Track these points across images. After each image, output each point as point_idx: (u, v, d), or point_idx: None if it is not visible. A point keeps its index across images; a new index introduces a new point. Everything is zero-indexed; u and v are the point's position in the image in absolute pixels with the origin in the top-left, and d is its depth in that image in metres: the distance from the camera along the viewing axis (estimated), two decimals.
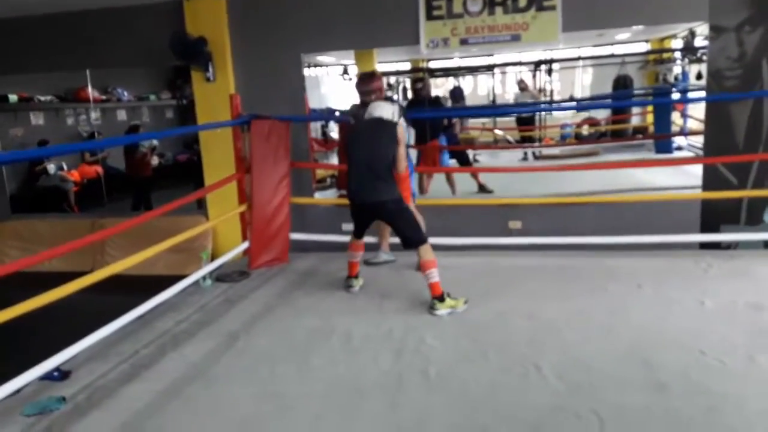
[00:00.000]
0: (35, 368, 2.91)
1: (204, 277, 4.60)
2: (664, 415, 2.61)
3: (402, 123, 4.15)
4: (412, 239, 4.01)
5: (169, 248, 4.09)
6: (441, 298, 3.86)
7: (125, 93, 7.78)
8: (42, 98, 7.39)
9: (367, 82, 4.52)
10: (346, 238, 5.18)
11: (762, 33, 4.95)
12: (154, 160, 7.80)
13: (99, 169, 7.68)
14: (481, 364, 3.18)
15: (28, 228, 7.10)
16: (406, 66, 11.10)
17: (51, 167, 7.57)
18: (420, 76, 8.54)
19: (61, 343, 3.12)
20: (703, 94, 5.61)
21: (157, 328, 3.89)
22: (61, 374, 3.21)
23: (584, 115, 10.84)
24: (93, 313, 3.58)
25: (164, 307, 4.10)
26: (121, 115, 7.80)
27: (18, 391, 2.89)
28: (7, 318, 2.70)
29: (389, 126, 4.05)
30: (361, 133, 4.12)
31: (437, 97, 8.29)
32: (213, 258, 5.27)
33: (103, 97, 7.60)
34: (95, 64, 6.73)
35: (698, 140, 6.66)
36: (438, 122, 7.49)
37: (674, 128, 9.58)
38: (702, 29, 6.07)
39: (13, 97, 7.23)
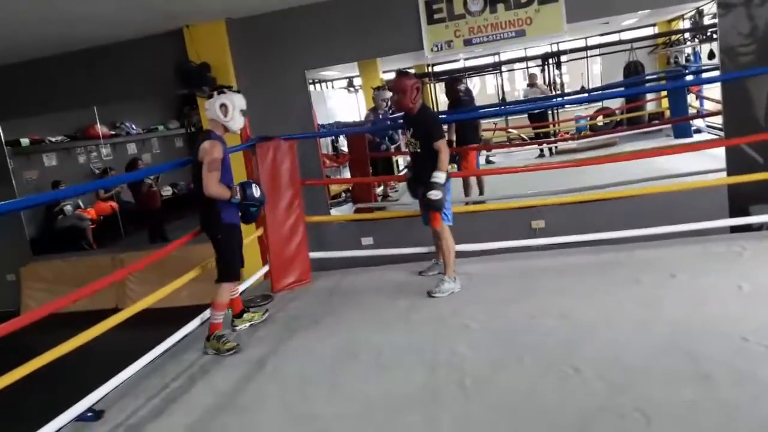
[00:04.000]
0: (69, 410, 2.91)
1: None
2: (712, 407, 2.50)
3: (215, 134, 3.72)
4: (221, 271, 3.88)
5: (191, 278, 4.05)
6: (210, 338, 3.86)
7: (134, 126, 7.80)
8: (53, 139, 7.44)
9: (394, 82, 4.25)
10: (367, 253, 5.13)
11: None
12: (166, 191, 7.79)
13: (114, 204, 7.71)
14: (517, 370, 3.08)
15: (50, 269, 7.16)
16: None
17: (67, 208, 7.61)
18: (459, 76, 8.32)
19: (92, 383, 3.11)
20: (717, 73, 5.48)
21: (184, 360, 3.85)
22: (94, 414, 3.18)
23: (597, 105, 10.71)
24: (119, 350, 3.58)
25: (190, 338, 4.05)
26: (131, 148, 7.81)
27: None
28: (42, 363, 2.73)
29: (200, 137, 3.75)
30: None
31: (467, 100, 8.07)
32: None
33: (112, 132, 7.61)
34: (102, 100, 6.78)
35: (717, 121, 6.52)
36: (475, 125, 7.41)
37: (691, 110, 9.41)
38: (709, 7, 5.95)
39: (24, 141, 7.28)
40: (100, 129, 7.37)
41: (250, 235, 5.02)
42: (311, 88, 6.07)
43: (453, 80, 7.53)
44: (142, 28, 5.71)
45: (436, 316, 3.93)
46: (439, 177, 4.10)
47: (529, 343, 3.35)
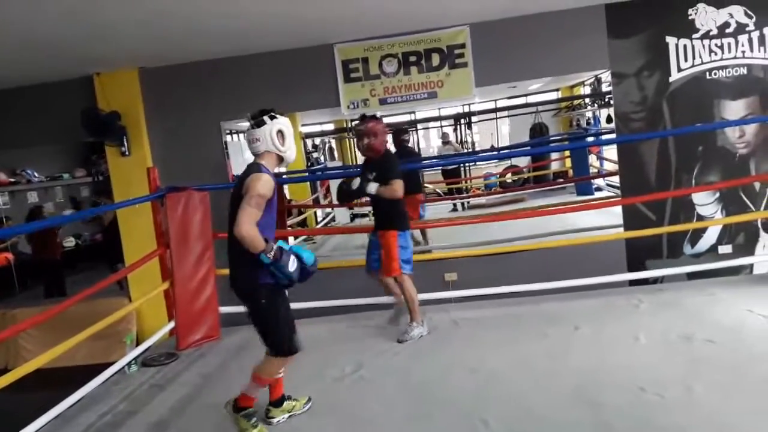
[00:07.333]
0: None
1: (129, 363, 4.30)
2: None
3: (266, 169, 2.98)
4: (272, 345, 3.07)
5: (90, 335, 3.81)
6: (241, 413, 3.13)
7: (35, 174, 7.42)
8: None
9: (366, 126, 4.17)
10: None
11: (659, 77, 5.30)
12: (69, 242, 7.40)
13: (9, 256, 7.22)
14: (426, 425, 3.07)
15: None
16: (330, 127, 11.25)
17: None
18: (405, 128, 8.55)
19: None
20: (613, 136, 5.89)
21: (79, 424, 3.56)
22: None
23: (506, 163, 11.28)
24: (7, 415, 3.34)
25: (87, 400, 3.77)
26: (33, 197, 7.41)
27: None
28: None
29: (247, 171, 2.99)
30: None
31: (412, 149, 8.43)
32: (139, 341, 4.96)
33: (12, 180, 7.20)
34: (3, 145, 6.42)
35: (616, 180, 6.98)
36: (418, 175, 7.64)
37: (592, 170, 10.07)
38: (606, 76, 6.44)
39: None
40: None
41: (156, 289, 4.81)
42: (228, 138, 6.02)
43: (399, 131, 7.75)
44: (49, 73, 5.52)
45: (347, 372, 3.88)
46: (372, 188, 4.10)
47: (441, 397, 3.36)
